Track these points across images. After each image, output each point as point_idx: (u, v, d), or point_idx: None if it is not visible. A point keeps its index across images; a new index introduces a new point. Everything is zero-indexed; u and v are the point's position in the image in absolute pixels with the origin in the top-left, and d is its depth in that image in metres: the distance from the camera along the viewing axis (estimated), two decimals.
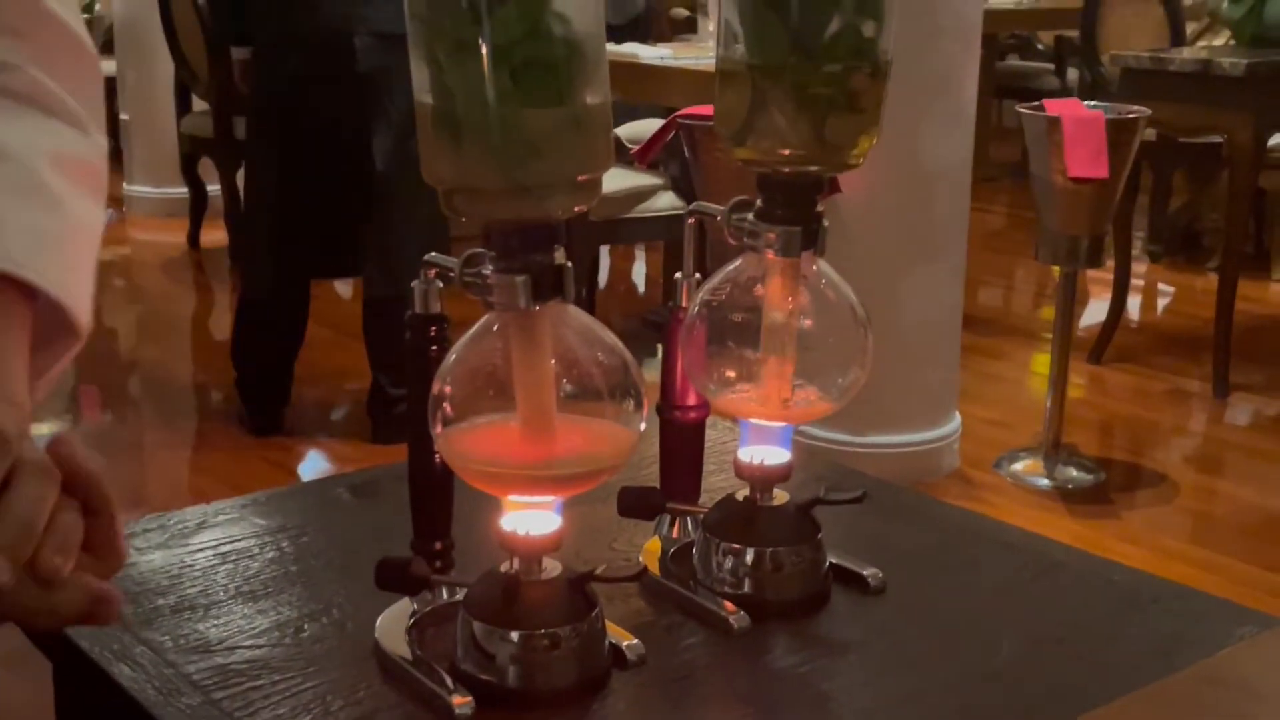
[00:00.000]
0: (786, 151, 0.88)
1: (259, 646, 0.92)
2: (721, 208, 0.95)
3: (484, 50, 0.73)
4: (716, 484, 1.13)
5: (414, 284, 0.89)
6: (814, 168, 0.90)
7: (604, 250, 5.02)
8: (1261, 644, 0.86)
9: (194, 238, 5.59)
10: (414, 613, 0.92)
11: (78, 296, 0.80)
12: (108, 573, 0.71)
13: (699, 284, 0.97)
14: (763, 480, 0.98)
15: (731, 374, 0.96)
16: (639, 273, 5.53)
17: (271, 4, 3.40)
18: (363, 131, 3.33)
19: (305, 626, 0.94)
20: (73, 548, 0.68)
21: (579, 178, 0.78)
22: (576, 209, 0.79)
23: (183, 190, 5.66)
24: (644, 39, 4.27)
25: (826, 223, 0.92)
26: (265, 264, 3.57)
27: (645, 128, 3.74)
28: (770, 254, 0.92)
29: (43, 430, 3.23)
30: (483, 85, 0.74)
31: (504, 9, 0.73)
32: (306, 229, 3.52)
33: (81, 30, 0.90)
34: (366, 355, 3.54)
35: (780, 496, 0.99)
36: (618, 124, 4.07)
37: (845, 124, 0.87)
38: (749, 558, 0.96)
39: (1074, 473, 3.29)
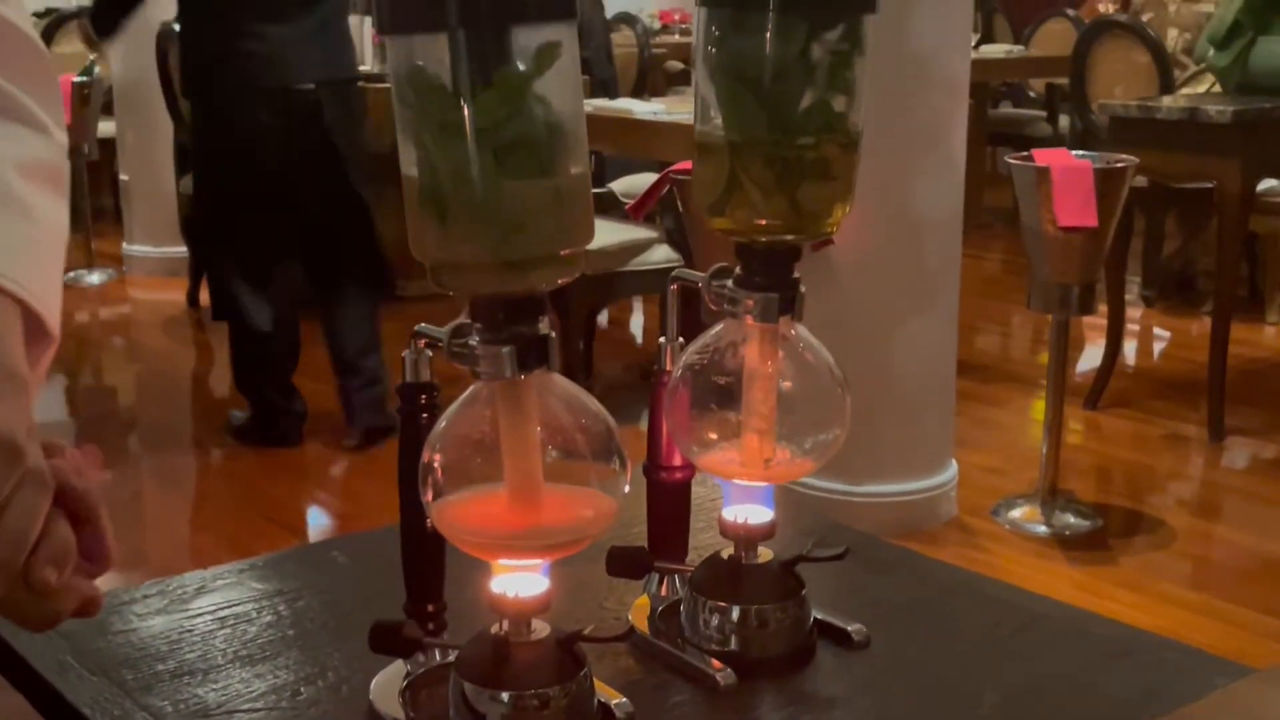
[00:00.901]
0: (763, 222, 0.91)
1: (256, 711, 0.94)
2: (703, 274, 0.98)
3: (468, 132, 0.76)
4: (705, 541, 1.15)
5: (404, 354, 0.92)
6: (790, 237, 0.93)
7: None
8: (1234, 693, 0.88)
9: (193, 297, 5.62)
10: (408, 674, 0.94)
11: (50, 305, 0.83)
12: (96, 574, 0.75)
13: (682, 348, 1.00)
14: (746, 539, 1.00)
15: (714, 436, 0.98)
16: (636, 324, 5.57)
17: (229, 59, 3.56)
18: (329, 172, 3.56)
19: (302, 690, 0.96)
20: (65, 560, 0.71)
21: (562, 252, 0.81)
22: (560, 281, 0.82)
23: (182, 250, 5.72)
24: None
25: (804, 289, 0.95)
26: (248, 300, 3.82)
27: (639, 182, 3.79)
28: (749, 319, 0.95)
29: None
30: (467, 165, 0.77)
31: (487, 94, 0.76)
32: (280, 264, 3.79)
33: (30, 29, 0.91)
34: (333, 353, 3.78)
35: (765, 554, 1.01)
36: (614, 178, 4.13)
37: (819, 194, 0.90)
38: (735, 615, 0.98)
39: (1071, 519, 3.31)
